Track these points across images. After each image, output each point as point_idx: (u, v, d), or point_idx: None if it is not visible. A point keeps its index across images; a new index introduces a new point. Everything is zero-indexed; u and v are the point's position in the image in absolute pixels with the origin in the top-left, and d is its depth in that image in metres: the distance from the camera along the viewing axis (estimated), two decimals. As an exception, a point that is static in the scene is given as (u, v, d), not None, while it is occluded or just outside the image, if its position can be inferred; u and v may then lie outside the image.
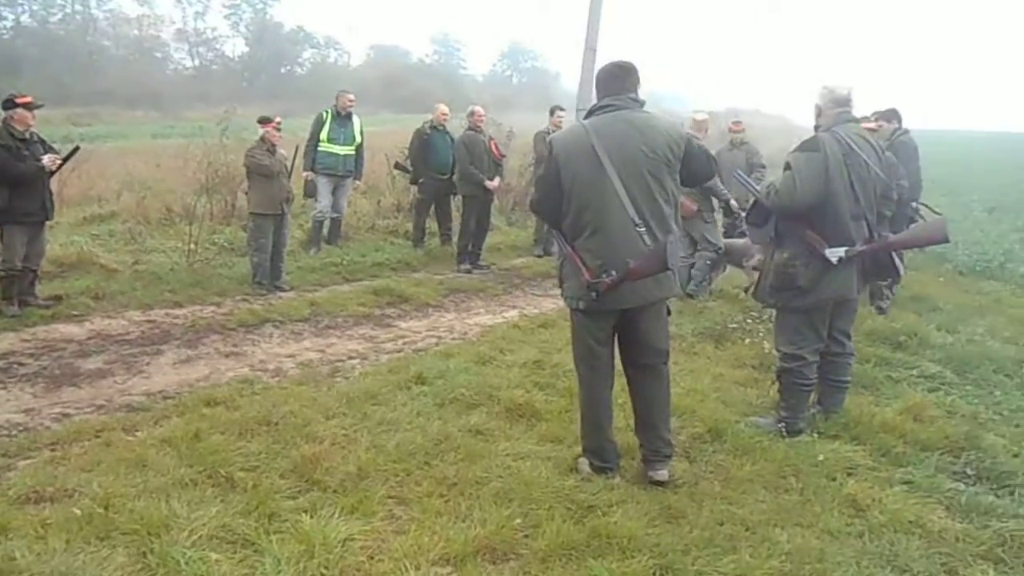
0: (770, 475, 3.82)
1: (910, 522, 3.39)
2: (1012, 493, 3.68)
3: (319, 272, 8.37)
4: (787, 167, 4.12)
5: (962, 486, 3.75)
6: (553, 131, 9.98)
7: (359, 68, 56.27)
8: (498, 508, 3.37)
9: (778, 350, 4.38)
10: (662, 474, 3.69)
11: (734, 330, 6.38)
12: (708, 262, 7.62)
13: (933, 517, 3.46)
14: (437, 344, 6.24)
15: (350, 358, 5.83)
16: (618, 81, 3.62)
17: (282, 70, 50.70)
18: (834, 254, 4.04)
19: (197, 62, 51.96)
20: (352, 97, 9.65)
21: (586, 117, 3.71)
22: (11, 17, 44.85)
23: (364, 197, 11.24)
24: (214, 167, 9.70)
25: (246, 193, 7.63)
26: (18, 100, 6.25)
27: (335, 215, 9.60)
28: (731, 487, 3.72)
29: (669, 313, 3.81)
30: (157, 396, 4.92)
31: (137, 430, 4.31)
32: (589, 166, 3.50)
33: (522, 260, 10.04)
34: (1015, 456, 4.05)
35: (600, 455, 3.79)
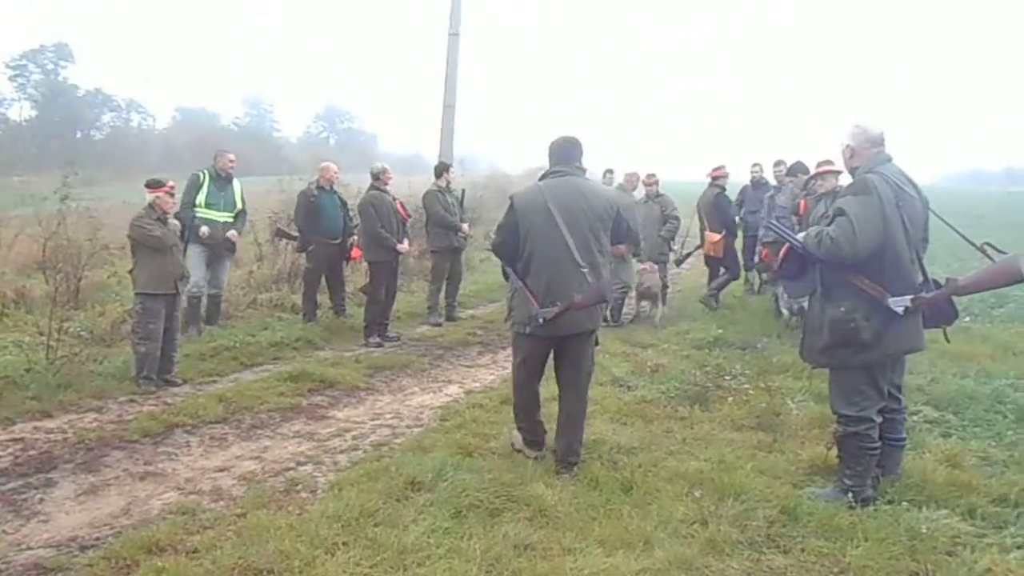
0: (886, 559, 3.35)
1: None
2: (1124, 547, 3.43)
3: (211, 359, 7.07)
4: (840, 213, 3.78)
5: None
6: (444, 187, 9.42)
7: (166, 132, 52.83)
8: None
9: (838, 413, 3.97)
10: (572, 473, 4.40)
11: (709, 390, 5.99)
12: (619, 296, 8.86)
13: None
14: (394, 435, 5.32)
15: (299, 464, 4.78)
16: (567, 152, 4.51)
17: (78, 135, 46.27)
18: (899, 303, 3.72)
19: (-26, 127, 46.33)
20: (232, 157, 8.47)
21: (540, 179, 4.53)
22: None
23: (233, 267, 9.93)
24: (55, 240, 8.13)
25: (131, 272, 6.28)
26: None
27: (214, 291, 8.32)
28: (857, 583, 3.20)
29: (597, 343, 4.66)
30: (71, 546, 3.67)
31: (67, 607, 3.11)
32: (543, 218, 4.31)
33: (425, 328, 9.21)
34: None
35: (532, 432, 4.69)
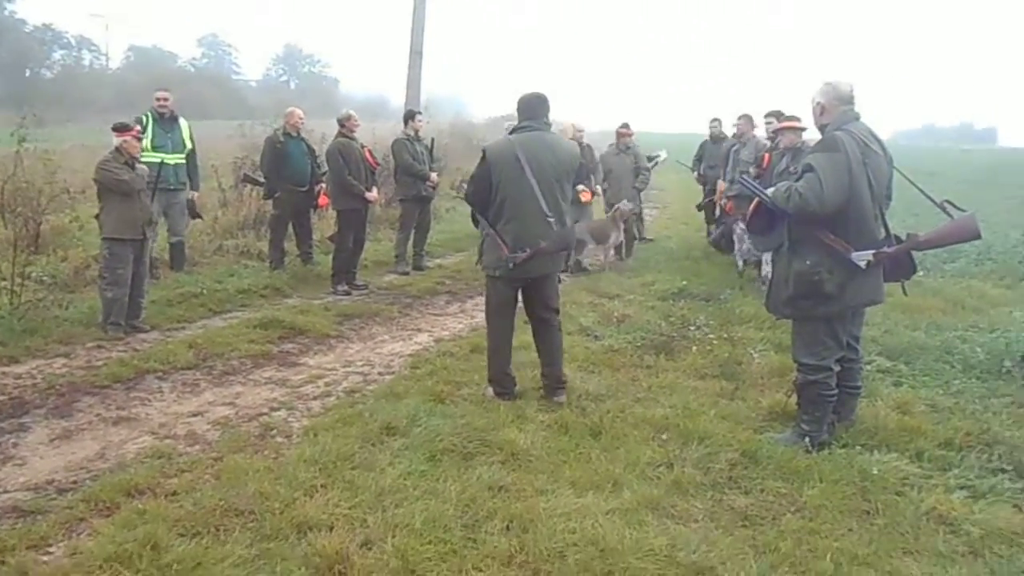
0: (839, 498, 3.55)
1: (1013, 532, 3.26)
2: (1060, 487, 3.68)
3: (178, 306, 7.03)
4: (808, 169, 3.87)
5: (1016, 485, 3.70)
6: (413, 135, 9.35)
7: (119, 71, 50.93)
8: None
9: (799, 361, 4.14)
10: (561, 398, 4.81)
11: (674, 339, 6.16)
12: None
13: (1016, 521, 3.36)
14: (365, 383, 5.39)
15: (273, 410, 4.84)
16: (535, 108, 4.77)
17: (27, 73, 44.41)
18: (862, 258, 3.86)
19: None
20: (163, 95, 8.22)
21: (511, 133, 4.81)
22: None
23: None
24: (14, 183, 7.91)
25: (97, 216, 6.17)
26: None
27: (176, 239, 8.22)
28: (811, 518, 3.40)
29: (560, 281, 5.28)
30: (48, 489, 3.71)
31: (48, 545, 3.18)
32: (514, 170, 4.59)
33: (393, 277, 9.23)
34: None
35: (501, 384, 4.89)
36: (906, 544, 3.20)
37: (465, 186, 5.13)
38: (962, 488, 3.67)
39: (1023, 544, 3.19)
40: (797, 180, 3.91)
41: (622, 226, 9.34)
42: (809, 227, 3.94)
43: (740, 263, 8.73)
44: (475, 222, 4.94)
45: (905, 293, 4.40)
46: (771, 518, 3.42)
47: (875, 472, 3.75)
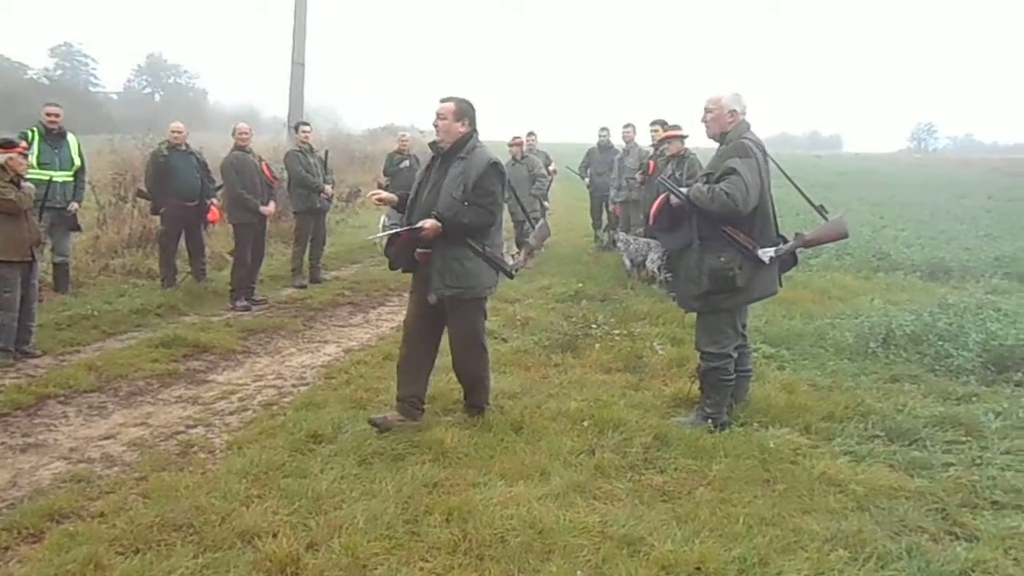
0: (744, 470, 3.92)
1: (890, 487, 3.71)
2: (924, 448, 4.21)
3: (69, 329, 6.73)
4: (731, 172, 4.15)
5: (889, 448, 4.20)
6: (306, 148, 9.31)
7: (-39, 83, 46.91)
8: (560, 566, 3.00)
9: (702, 350, 4.50)
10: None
11: (578, 338, 6.48)
12: None
13: (892, 478, 3.83)
14: (280, 395, 5.39)
15: (189, 427, 4.78)
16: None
17: None
18: (766, 254, 4.25)
19: None
20: (53, 110, 7.89)
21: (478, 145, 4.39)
22: None
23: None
24: None
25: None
26: None
27: (60, 259, 7.85)
28: (721, 489, 3.75)
29: None
30: (-37, 522, 3.54)
31: (-23, 577, 3.06)
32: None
33: (291, 291, 9.14)
34: (899, 413, 4.65)
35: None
36: (803, 505, 3.59)
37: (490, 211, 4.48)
38: (845, 454, 4.14)
39: (899, 498, 3.64)
40: (716, 182, 4.20)
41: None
42: (719, 226, 4.26)
43: (627, 263, 9.20)
44: (474, 251, 4.34)
45: (780, 284, 4.86)
46: (686, 492, 3.74)
47: (772, 445, 4.16)
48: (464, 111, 4.37)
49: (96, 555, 3.04)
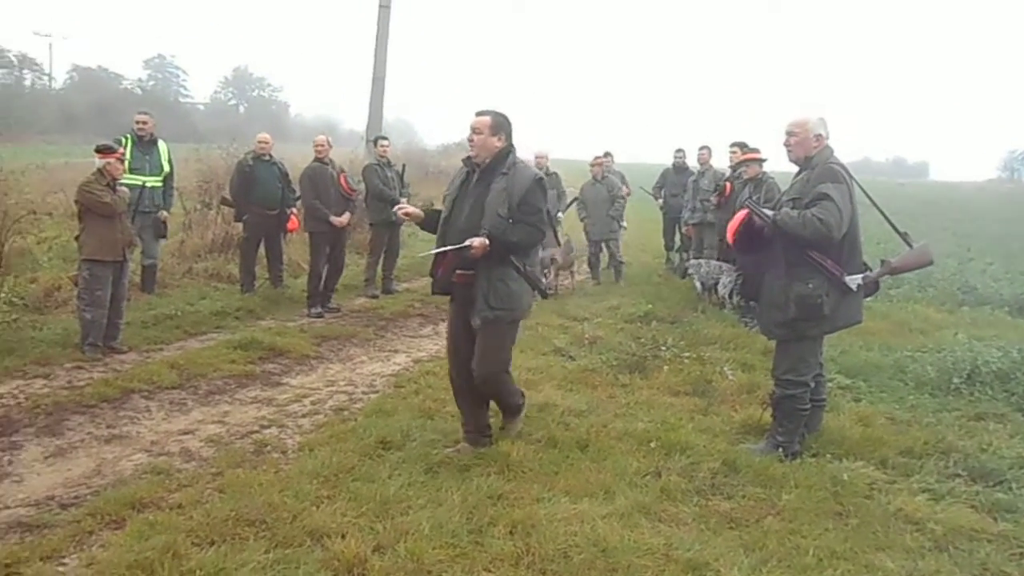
0: (815, 502, 3.82)
1: (972, 529, 3.55)
2: (1009, 490, 4.02)
3: (154, 328, 7.04)
4: (823, 198, 4.05)
5: (971, 488, 4.02)
6: (384, 161, 9.53)
7: (63, 92, 49.78)
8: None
9: (779, 378, 4.39)
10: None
11: (646, 359, 6.42)
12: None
13: (973, 519, 3.67)
14: (351, 401, 5.51)
15: (263, 427, 4.92)
16: None
17: (-36, 93, 43.12)
18: (853, 281, 4.14)
19: None
20: (142, 118, 8.32)
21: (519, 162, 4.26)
22: None
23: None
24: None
25: (77, 237, 6.17)
26: None
27: (149, 261, 8.21)
28: (791, 520, 3.65)
29: None
30: (50, 505, 3.74)
31: (62, 556, 3.23)
32: None
33: (363, 300, 9.33)
34: (983, 452, 4.46)
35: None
36: (878, 541, 3.47)
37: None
38: (924, 491, 3.98)
39: (981, 540, 3.49)
40: (807, 208, 4.08)
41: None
42: (806, 252, 4.14)
43: (699, 286, 9.08)
44: (517, 270, 4.18)
45: None
46: (755, 520, 3.66)
47: (845, 478, 4.04)
48: (500, 125, 4.20)
49: (174, 544, 3.16)
